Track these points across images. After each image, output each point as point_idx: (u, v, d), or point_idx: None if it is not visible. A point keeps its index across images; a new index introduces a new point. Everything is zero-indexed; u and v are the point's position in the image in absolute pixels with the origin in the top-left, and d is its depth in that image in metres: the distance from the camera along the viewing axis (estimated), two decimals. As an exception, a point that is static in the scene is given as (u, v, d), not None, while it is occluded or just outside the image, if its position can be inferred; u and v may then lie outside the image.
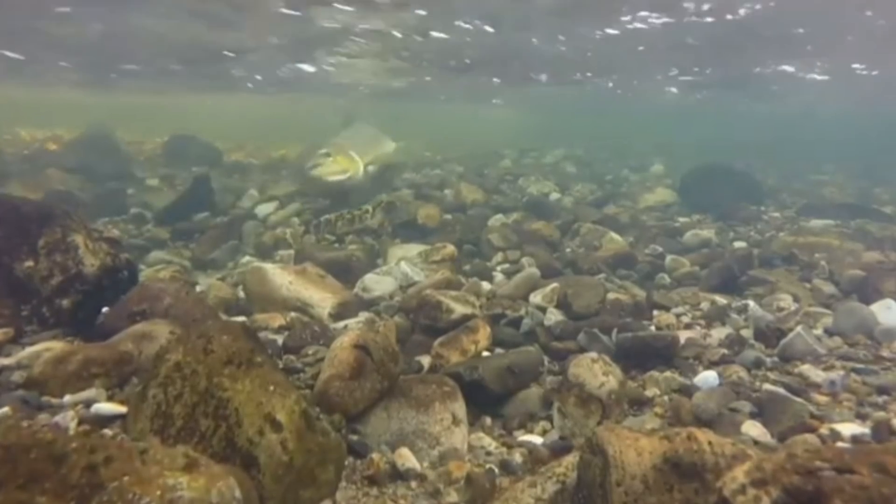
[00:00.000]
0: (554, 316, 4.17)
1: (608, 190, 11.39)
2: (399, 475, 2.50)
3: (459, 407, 2.84)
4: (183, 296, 3.65)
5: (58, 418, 2.48)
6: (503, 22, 11.72)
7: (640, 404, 3.21)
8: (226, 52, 13.90)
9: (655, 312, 4.49)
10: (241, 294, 4.78)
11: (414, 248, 5.88)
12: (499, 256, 6.17)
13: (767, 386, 3.23)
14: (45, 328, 3.38)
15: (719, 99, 23.72)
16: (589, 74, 18.21)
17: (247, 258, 6.20)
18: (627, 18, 11.56)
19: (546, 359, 3.75)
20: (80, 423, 2.49)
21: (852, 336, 3.98)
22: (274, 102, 28.54)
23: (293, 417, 2.21)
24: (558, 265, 5.75)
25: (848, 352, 3.76)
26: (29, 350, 3.03)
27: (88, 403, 2.64)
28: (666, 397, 3.24)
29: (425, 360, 3.52)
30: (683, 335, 3.95)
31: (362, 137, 9.04)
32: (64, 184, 8.94)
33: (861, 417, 2.96)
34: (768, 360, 3.65)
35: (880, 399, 3.13)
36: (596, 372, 3.03)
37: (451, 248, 5.66)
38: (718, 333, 4.11)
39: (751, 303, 4.63)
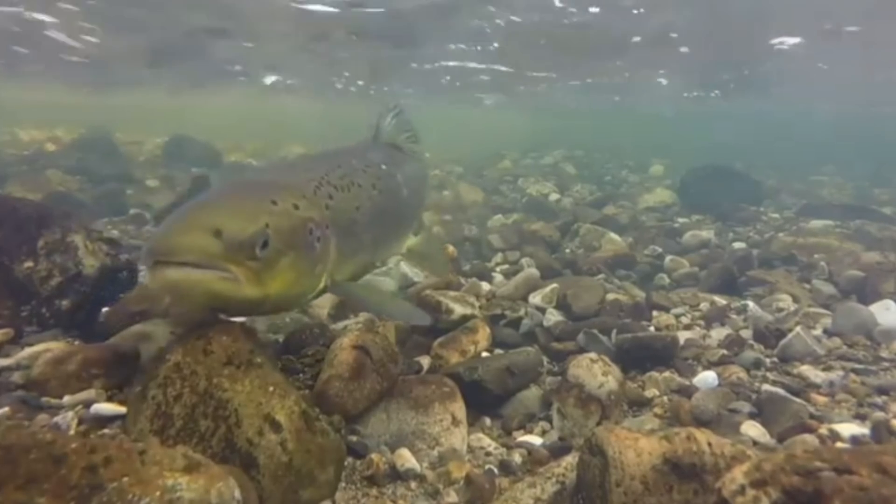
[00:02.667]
0: (553, 316, 4.17)
1: (607, 191, 11.41)
2: (398, 476, 2.50)
3: (459, 407, 2.84)
4: (182, 296, 3.64)
5: (57, 419, 2.47)
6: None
7: (639, 405, 3.21)
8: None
9: (655, 313, 4.49)
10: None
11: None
12: (498, 257, 6.18)
13: (767, 386, 3.23)
14: (45, 329, 3.38)
15: (719, 99, 23.77)
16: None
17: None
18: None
19: (545, 359, 3.75)
20: (79, 423, 2.49)
21: (851, 337, 3.98)
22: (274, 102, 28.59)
23: (293, 418, 2.21)
24: (558, 266, 5.75)
25: (847, 352, 3.77)
26: (28, 351, 3.02)
27: (88, 404, 2.63)
28: (665, 398, 3.24)
29: (425, 361, 3.51)
30: (683, 336, 3.95)
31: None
32: (63, 185, 8.95)
33: (860, 418, 2.97)
34: (767, 360, 3.65)
35: (879, 399, 3.13)
36: (595, 372, 3.04)
37: (450, 249, 5.66)
38: (718, 334, 4.12)
39: (750, 303, 4.63)
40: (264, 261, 2.22)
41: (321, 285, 2.65)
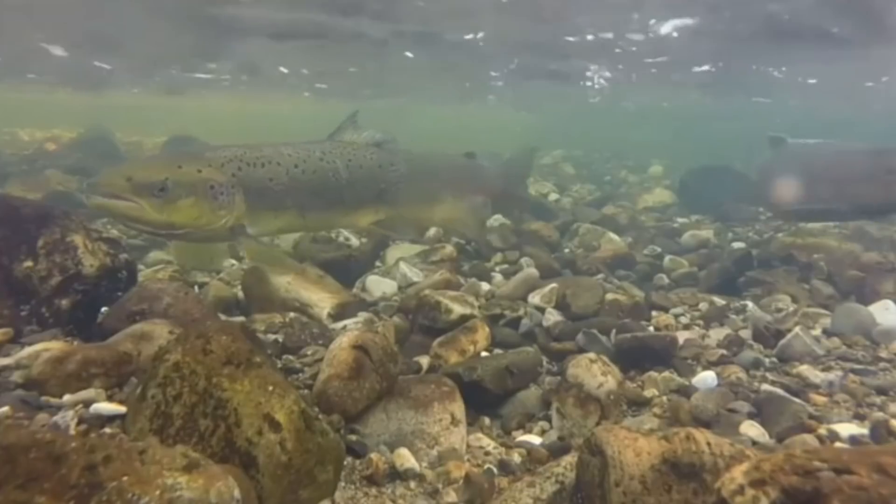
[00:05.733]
0: (553, 316, 4.17)
1: (607, 191, 11.44)
2: (398, 475, 2.50)
3: (458, 407, 2.84)
4: (182, 296, 3.64)
5: (57, 418, 2.47)
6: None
7: (638, 405, 3.22)
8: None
9: (654, 313, 4.50)
10: (240, 294, 4.78)
11: (413, 249, 5.88)
12: (498, 257, 6.17)
13: (766, 386, 3.24)
14: (45, 328, 3.37)
15: (720, 99, 23.74)
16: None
17: (246, 258, 6.18)
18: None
19: (545, 359, 3.75)
20: (79, 423, 2.48)
21: (851, 337, 3.99)
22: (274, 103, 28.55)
23: (292, 418, 2.21)
24: (557, 266, 5.75)
25: (846, 352, 3.77)
26: (28, 350, 3.02)
27: (87, 403, 2.63)
28: (664, 398, 3.24)
29: (424, 361, 3.52)
30: (682, 336, 3.95)
31: None
32: (63, 184, 8.92)
33: (859, 418, 2.98)
34: (767, 360, 3.66)
35: (878, 400, 3.14)
36: (594, 372, 3.04)
37: (449, 249, 5.66)
38: (717, 334, 4.12)
39: (749, 303, 4.64)
40: (164, 199, 3.34)
41: (225, 224, 3.62)
